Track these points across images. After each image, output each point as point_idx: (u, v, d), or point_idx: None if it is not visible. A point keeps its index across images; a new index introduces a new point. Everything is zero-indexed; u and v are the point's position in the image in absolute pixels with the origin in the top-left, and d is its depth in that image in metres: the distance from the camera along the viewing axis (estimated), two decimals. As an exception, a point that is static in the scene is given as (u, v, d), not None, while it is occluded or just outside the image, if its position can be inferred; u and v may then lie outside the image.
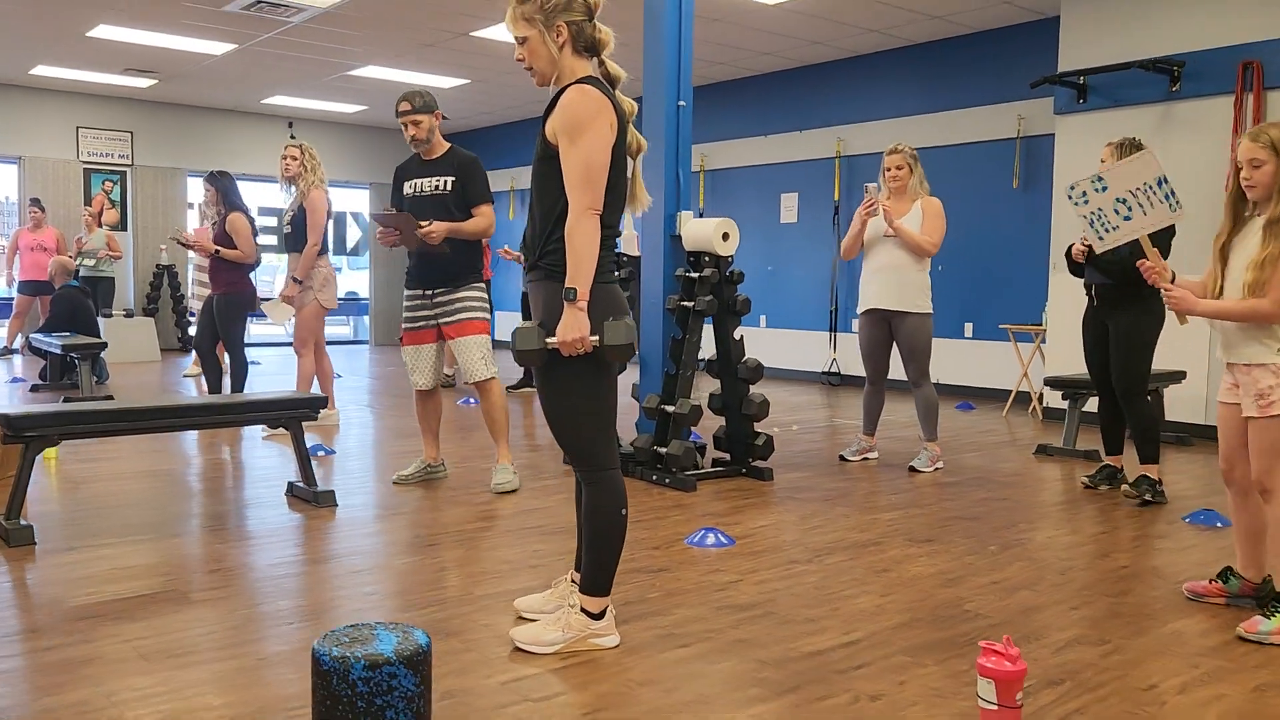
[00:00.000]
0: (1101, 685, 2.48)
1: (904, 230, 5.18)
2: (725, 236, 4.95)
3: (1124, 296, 4.62)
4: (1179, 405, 6.83)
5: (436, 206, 4.58)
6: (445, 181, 4.61)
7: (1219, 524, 4.25)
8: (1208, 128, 6.72)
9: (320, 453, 5.58)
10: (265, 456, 5.54)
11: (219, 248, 6.41)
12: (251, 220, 6.63)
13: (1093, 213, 3.20)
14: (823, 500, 4.62)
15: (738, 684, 2.45)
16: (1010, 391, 8.35)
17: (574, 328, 2.48)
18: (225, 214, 6.53)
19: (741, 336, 5.14)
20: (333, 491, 4.40)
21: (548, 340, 2.52)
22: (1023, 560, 3.65)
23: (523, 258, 2.73)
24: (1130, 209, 3.13)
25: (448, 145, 4.69)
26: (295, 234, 6.03)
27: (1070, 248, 4.77)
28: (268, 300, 6.24)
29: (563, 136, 2.48)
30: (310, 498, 4.37)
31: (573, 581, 2.94)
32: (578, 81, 2.55)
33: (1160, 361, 5.59)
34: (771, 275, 10.66)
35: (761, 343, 10.55)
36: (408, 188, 4.66)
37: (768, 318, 10.74)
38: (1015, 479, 5.24)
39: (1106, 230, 3.19)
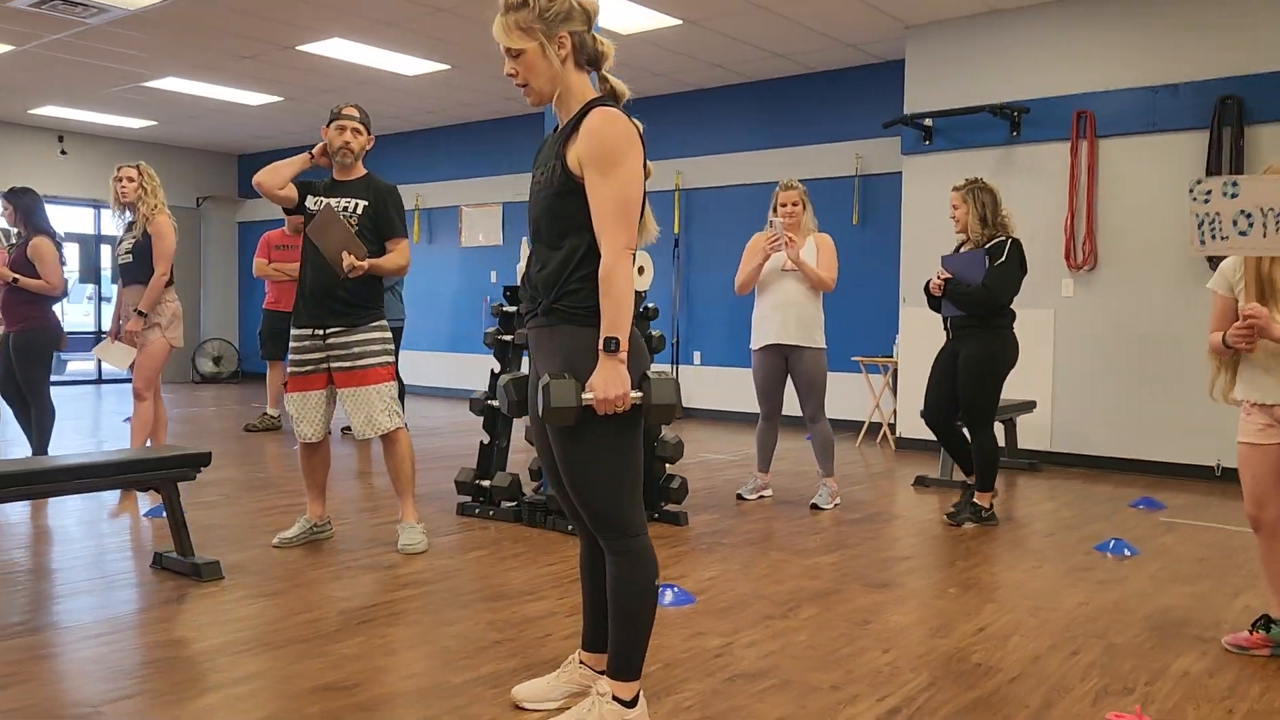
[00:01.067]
0: (1164, 739, 2.42)
1: (807, 265, 5.13)
2: (640, 270, 4.72)
3: (977, 328, 4.81)
4: (1030, 433, 7.17)
5: (343, 231, 4.11)
6: (357, 205, 4.14)
7: (1127, 552, 4.40)
8: (1046, 171, 7.14)
9: (162, 515, 4.87)
10: (92, 523, 4.77)
11: (17, 276, 5.55)
12: (59, 245, 5.79)
13: (1207, 214, 2.94)
14: (751, 545, 4.45)
15: (815, 773, 2.21)
16: (863, 423, 8.54)
17: (616, 382, 2.18)
18: (28, 237, 5.67)
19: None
20: (217, 562, 3.80)
21: (584, 395, 2.20)
22: (989, 602, 3.61)
23: (523, 302, 2.41)
24: (1251, 225, 2.89)
25: (364, 171, 4.23)
26: (137, 263, 5.29)
27: (928, 283, 4.93)
28: (101, 341, 5.44)
29: (592, 168, 2.20)
30: (188, 570, 3.76)
31: (582, 663, 2.61)
32: (599, 103, 2.27)
33: (1011, 392, 5.83)
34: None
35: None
36: (312, 204, 4.15)
37: (604, 350, 10.56)
38: (914, 512, 5.27)
39: (1213, 236, 2.92)
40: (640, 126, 2.30)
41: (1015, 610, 3.51)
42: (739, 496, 5.55)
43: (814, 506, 5.32)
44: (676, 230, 10.07)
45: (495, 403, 4.93)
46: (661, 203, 10.11)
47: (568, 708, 2.49)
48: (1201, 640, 3.20)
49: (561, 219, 2.28)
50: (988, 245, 4.84)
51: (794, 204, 5.18)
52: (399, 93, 10.19)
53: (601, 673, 2.49)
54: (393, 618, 3.29)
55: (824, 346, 5.27)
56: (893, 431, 8.06)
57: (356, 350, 4.14)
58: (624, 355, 2.19)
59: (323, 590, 3.61)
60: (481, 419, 5.03)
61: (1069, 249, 7.02)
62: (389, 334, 4.24)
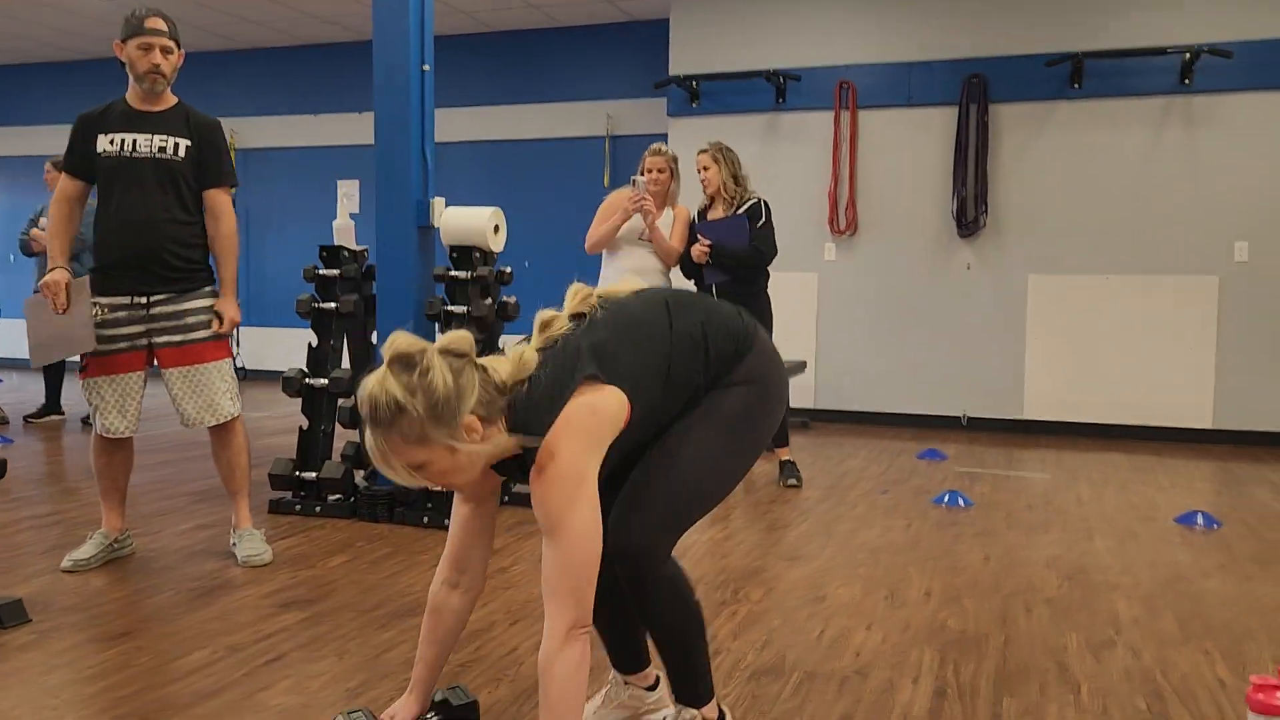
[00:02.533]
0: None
1: (660, 236, 4.89)
2: (497, 229, 4.24)
3: (744, 292, 4.79)
4: (796, 393, 7.44)
5: (161, 177, 3.30)
6: (177, 144, 3.33)
7: (961, 502, 4.64)
8: (810, 139, 7.39)
9: None
10: None
11: None
12: None
13: None
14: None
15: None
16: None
17: None
18: None
19: (504, 347, 4.45)
20: (18, 601, 2.93)
21: None
22: (909, 566, 3.62)
23: None
24: None
25: (176, 99, 3.40)
26: None
27: (690, 249, 4.86)
28: None
29: (544, 529, 1.77)
30: (-20, 615, 2.86)
31: (628, 683, 2.25)
32: (539, 449, 1.77)
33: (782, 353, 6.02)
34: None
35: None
36: (107, 144, 3.28)
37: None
38: (753, 479, 5.26)
39: None
40: (614, 399, 1.81)
41: (936, 571, 3.55)
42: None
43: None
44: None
45: (314, 381, 4.25)
46: (356, 157, 9.34)
47: None
48: (1134, 583, 3.41)
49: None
50: (742, 208, 4.83)
51: (660, 170, 4.90)
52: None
53: (650, 688, 2.24)
54: (307, 650, 2.68)
55: (670, 318, 5.09)
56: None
57: (189, 321, 3.37)
58: None
59: (180, 625, 2.89)
60: (299, 401, 4.32)
61: (832, 215, 7.33)
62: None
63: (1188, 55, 6.48)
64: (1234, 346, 6.61)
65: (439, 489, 1.87)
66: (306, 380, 4.26)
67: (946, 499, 4.70)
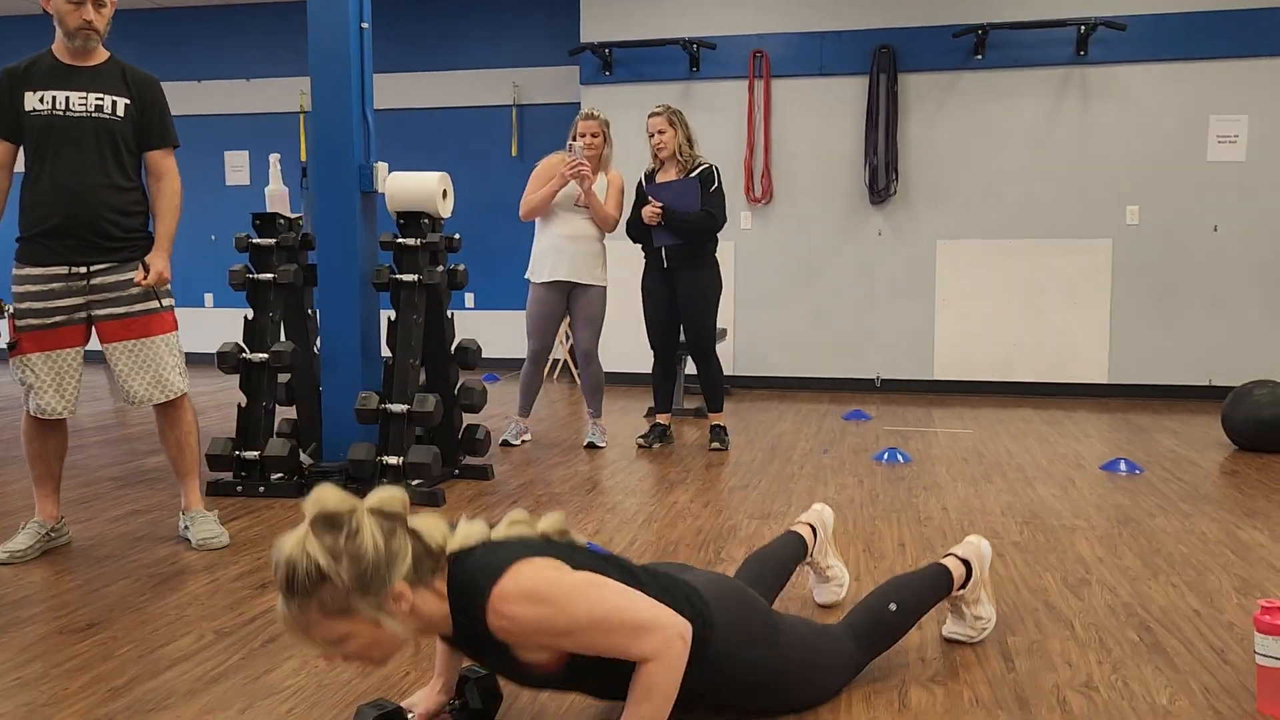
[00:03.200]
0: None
1: (596, 200, 4.85)
2: (445, 194, 4.11)
3: (694, 256, 4.85)
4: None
5: (100, 139, 3.08)
6: (115, 102, 3.10)
7: (901, 458, 4.78)
8: (724, 108, 7.42)
9: None
10: None
11: None
12: None
13: None
14: (585, 493, 4.15)
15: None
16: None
17: None
18: None
19: (453, 315, 4.34)
20: (-32, 595, 2.72)
21: None
22: (876, 520, 3.70)
23: None
24: None
25: (108, 54, 3.17)
26: None
27: (641, 211, 4.85)
28: None
29: (540, 639, 1.69)
30: (-79, 613, 2.64)
31: None
32: (473, 599, 1.68)
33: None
34: (215, 245, 9.16)
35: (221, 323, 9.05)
36: (36, 102, 3.04)
37: (214, 296, 9.28)
38: (687, 439, 5.28)
39: None
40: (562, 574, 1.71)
41: (903, 523, 3.64)
42: (505, 443, 5.16)
43: (591, 446, 5.11)
44: (304, 158, 9.02)
45: (251, 356, 4.05)
46: (282, 125, 8.99)
47: None
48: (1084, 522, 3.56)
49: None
50: (694, 171, 4.85)
51: (594, 134, 4.83)
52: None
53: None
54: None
55: (606, 284, 5.07)
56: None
57: (134, 292, 3.16)
58: None
59: (151, 612, 2.72)
60: (237, 377, 4.12)
61: (748, 184, 7.39)
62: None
63: (1083, 28, 6.76)
64: (1126, 305, 6.97)
65: (368, 667, 1.76)
66: (243, 355, 4.06)
67: (886, 456, 4.82)
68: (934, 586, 2.34)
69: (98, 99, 3.10)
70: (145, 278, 3.13)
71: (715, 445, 5.05)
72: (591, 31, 7.54)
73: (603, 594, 1.70)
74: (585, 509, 3.87)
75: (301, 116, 8.99)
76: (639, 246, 5.01)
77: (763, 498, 4.04)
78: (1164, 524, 3.60)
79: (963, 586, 2.39)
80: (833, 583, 2.73)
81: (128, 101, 3.14)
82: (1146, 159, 6.88)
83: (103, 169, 3.10)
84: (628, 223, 4.93)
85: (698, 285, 4.89)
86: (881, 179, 7.16)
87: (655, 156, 4.91)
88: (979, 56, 6.99)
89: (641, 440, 5.12)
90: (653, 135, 4.87)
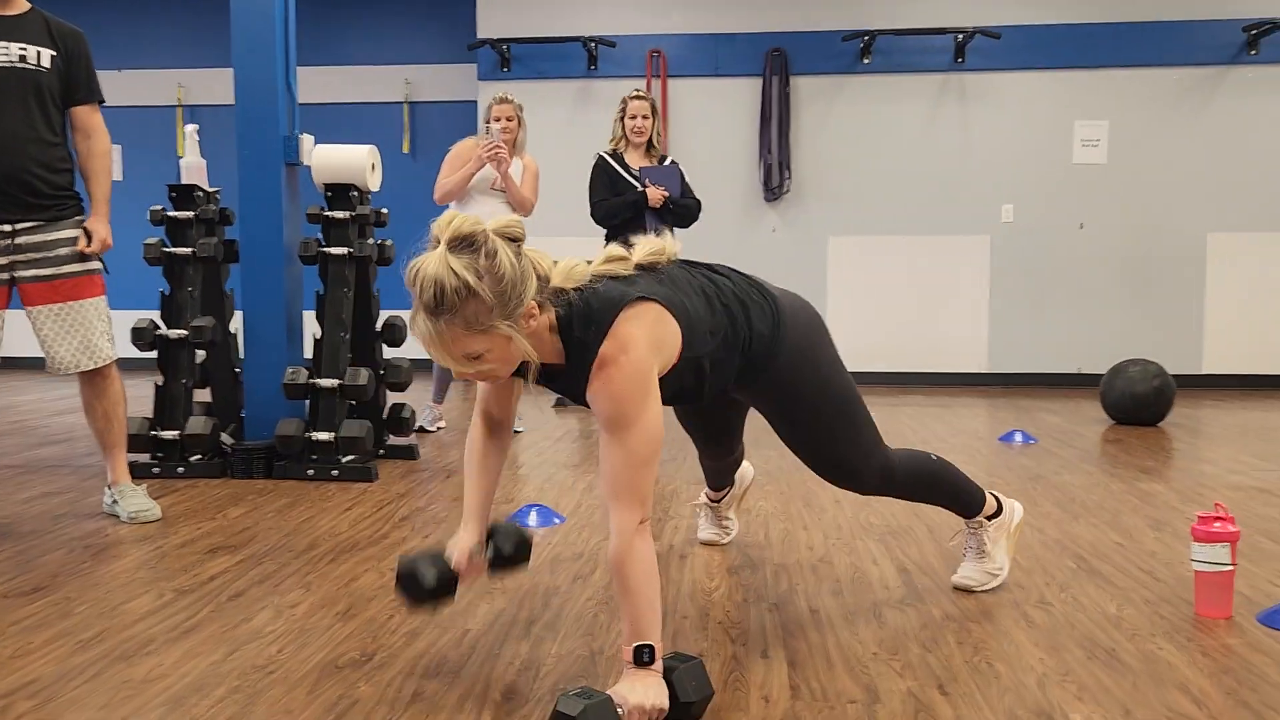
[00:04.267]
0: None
1: (513, 184, 4.86)
2: (374, 167, 4.06)
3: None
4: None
5: (24, 90, 2.94)
6: (40, 53, 2.96)
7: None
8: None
9: None
10: None
11: None
12: None
13: None
14: (515, 469, 4.15)
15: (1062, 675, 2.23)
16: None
17: (656, 694, 1.69)
18: None
19: (379, 290, 4.28)
20: (-111, 566, 2.54)
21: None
22: (798, 485, 3.83)
23: None
24: None
25: (29, 4, 3.02)
26: None
27: (641, 195, 4.98)
28: None
29: (605, 427, 1.78)
30: None
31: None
32: (608, 335, 1.76)
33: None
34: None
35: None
36: None
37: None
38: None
39: None
40: (672, 325, 1.84)
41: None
42: (422, 429, 5.09)
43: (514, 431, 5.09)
44: (182, 152, 8.68)
45: (168, 333, 3.91)
46: (157, 119, 8.63)
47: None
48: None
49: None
50: (666, 160, 5.06)
51: (509, 118, 4.84)
52: None
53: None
54: (265, 586, 2.49)
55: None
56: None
57: (60, 253, 3.02)
58: (660, 665, 1.73)
59: (99, 576, 2.60)
60: (155, 355, 3.95)
61: (646, 180, 7.51)
62: (96, 232, 3.14)
63: (961, 36, 7.17)
64: (1003, 298, 7.40)
65: (478, 380, 1.81)
66: (159, 332, 3.90)
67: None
68: (971, 486, 2.44)
69: (21, 49, 2.96)
70: (89, 245, 3.00)
71: None
72: (489, 28, 7.55)
73: (645, 433, 1.79)
74: (519, 482, 3.87)
75: (179, 110, 8.66)
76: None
77: (693, 468, 4.12)
78: (1071, 480, 3.86)
79: (992, 516, 2.47)
80: (723, 531, 2.95)
81: (53, 53, 3.01)
82: (1019, 161, 7.33)
83: (28, 121, 2.96)
84: (605, 206, 5.00)
85: None
86: (775, 177, 7.40)
87: (625, 139, 5.07)
88: (866, 61, 7.32)
89: None
90: (634, 118, 5.04)
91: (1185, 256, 7.24)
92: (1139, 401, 5.33)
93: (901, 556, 2.80)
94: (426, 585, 1.95)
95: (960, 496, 2.42)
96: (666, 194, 4.92)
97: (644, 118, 5.02)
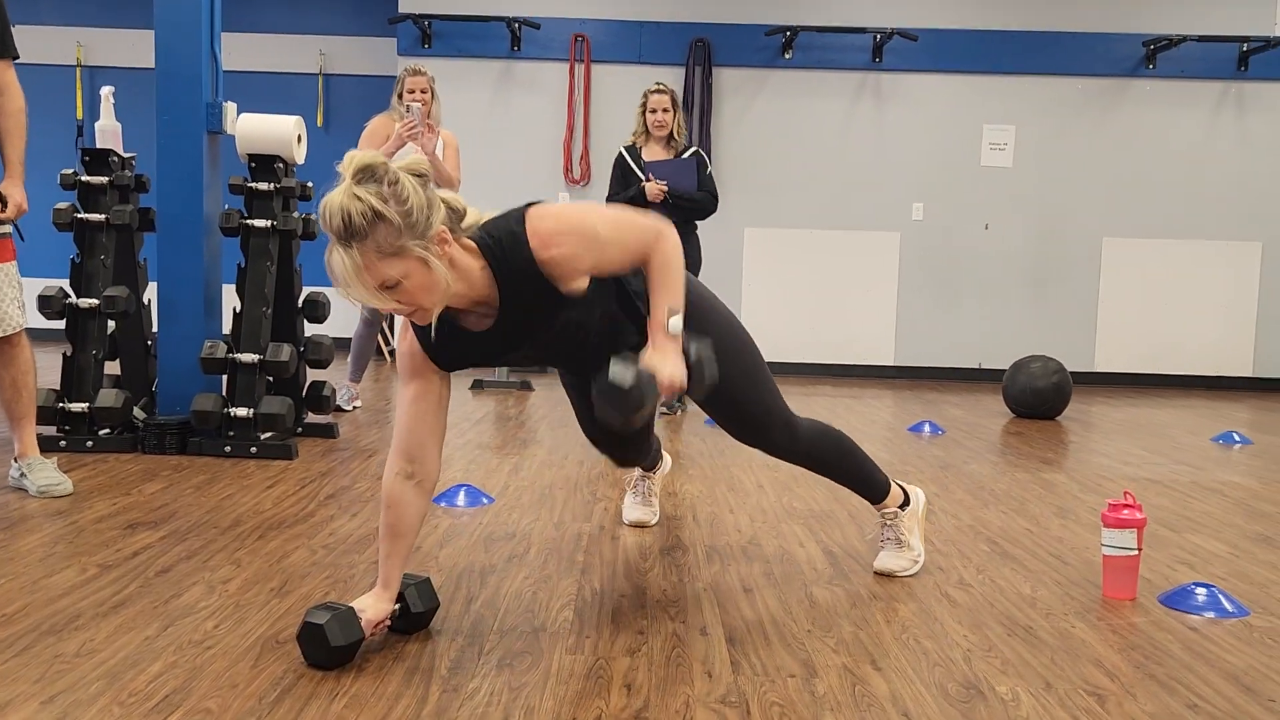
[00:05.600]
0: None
1: (439, 161, 4.81)
2: (300, 138, 3.98)
3: (689, 234, 4.99)
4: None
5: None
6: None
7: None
8: (544, 89, 7.50)
9: None
10: None
11: None
12: None
13: None
14: (455, 449, 4.12)
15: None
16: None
17: (677, 367, 1.92)
18: None
19: (301, 265, 4.19)
20: None
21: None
22: (721, 470, 3.91)
23: None
24: None
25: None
26: None
27: (645, 188, 4.85)
28: None
29: (588, 249, 1.89)
30: None
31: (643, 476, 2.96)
32: (528, 234, 1.86)
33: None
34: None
35: None
36: None
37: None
38: (540, 410, 5.33)
39: None
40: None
41: (755, 468, 3.87)
42: (339, 408, 5.01)
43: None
44: (80, 116, 8.34)
45: (78, 301, 3.76)
46: (57, 79, 8.26)
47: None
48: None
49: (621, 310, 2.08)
50: (686, 153, 5.02)
51: (423, 90, 4.77)
52: None
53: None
54: (194, 562, 2.44)
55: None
56: (386, 342, 7.83)
57: (-30, 214, 2.89)
58: (681, 337, 1.95)
59: (13, 551, 2.50)
60: (63, 324, 3.80)
61: (567, 165, 7.51)
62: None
63: (879, 36, 7.35)
64: (910, 294, 7.63)
65: (404, 315, 1.80)
66: (69, 300, 3.76)
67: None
68: (875, 469, 2.50)
69: (-71, -1, 2.82)
70: (4, 211, 2.88)
71: (679, 408, 5.33)
72: (411, 2, 7.43)
73: (603, 208, 1.98)
74: (444, 464, 3.86)
75: (78, 70, 8.30)
76: None
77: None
78: (979, 469, 4.03)
79: (901, 506, 2.53)
80: (651, 512, 3.00)
81: (-38, 3, 2.87)
82: (930, 160, 7.55)
83: (-63, 76, 2.82)
84: (612, 202, 4.90)
85: (689, 261, 4.99)
86: (695, 167, 7.46)
87: (646, 133, 4.98)
88: (787, 56, 7.44)
89: (664, 408, 5.16)
90: (654, 111, 4.93)
91: (1082, 259, 7.58)
92: (1039, 396, 5.56)
93: (826, 539, 2.89)
94: (333, 644, 1.81)
95: (866, 479, 2.49)
96: (665, 189, 4.81)
97: (664, 111, 4.95)
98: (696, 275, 5.17)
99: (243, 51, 8.20)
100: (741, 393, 2.27)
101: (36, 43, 8.24)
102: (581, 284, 1.93)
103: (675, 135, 5.03)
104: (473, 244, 1.86)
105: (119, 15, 8.21)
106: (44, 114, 8.22)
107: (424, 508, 2.04)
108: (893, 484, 2.54)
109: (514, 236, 1.86)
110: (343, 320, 5.69)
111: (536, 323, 1.95)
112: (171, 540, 2.65)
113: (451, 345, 1.97)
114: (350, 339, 5.11)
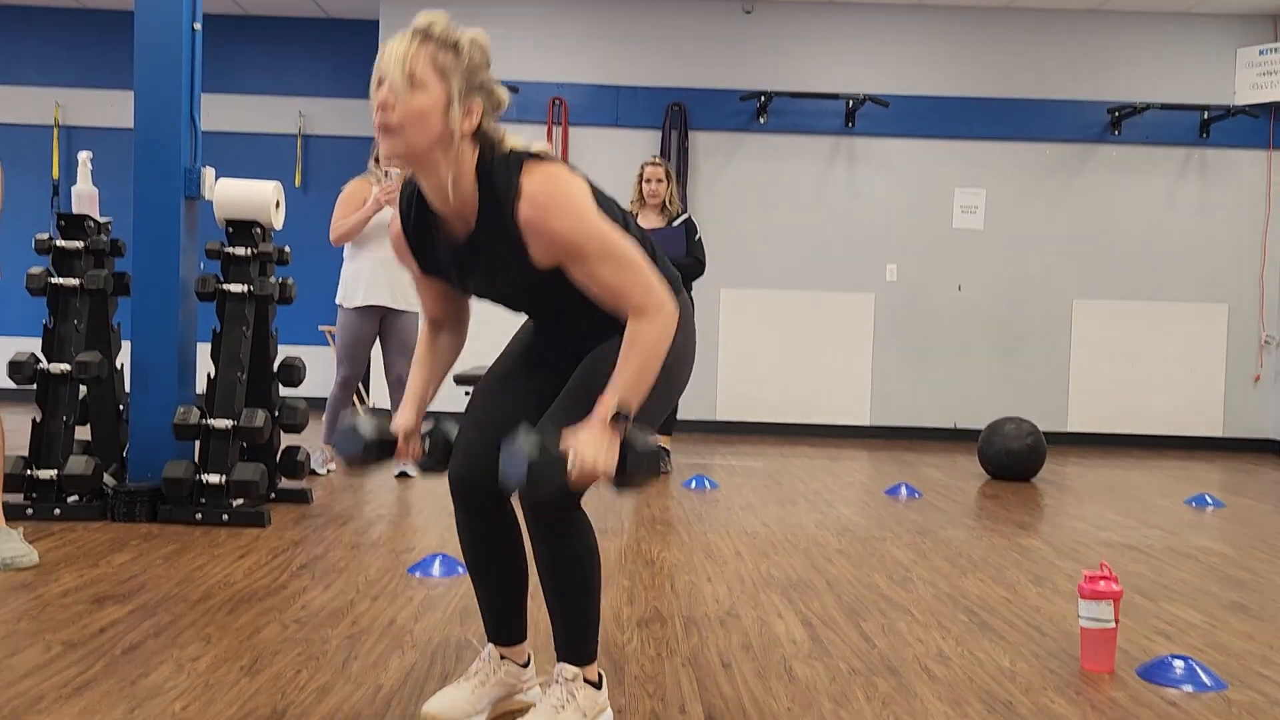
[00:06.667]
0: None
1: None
2: (278, 204, 3.99)
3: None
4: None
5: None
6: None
7: (709, 484, 5.03)
8: (522, 151, 7.56)
9: None
10: None
11: None
12: None
13: None
14: (415, 514, 4.09)
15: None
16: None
17: (609, 457, 1.73)
18: None
19: (277, 329, 4.17)
20: None
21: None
22: (699, 536, 3.89)
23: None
24: None
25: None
26: None
27: None
28: None
29: (571, 262, 1.78)
30: None
31: (504, 658, 2.03)
32: (509, 177, 1.75)
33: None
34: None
35: None
36: None
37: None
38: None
39: None
40: (580, 181, 1.81)
41: (733, 535, 3.85)
42: (313, 472, 4.96)
43: (403, 474, 5.01)
44: (56, 175, 8.33)
45: (50, 367, 3.73)
46: (32, 138, 8.25)
47: (512, 712, 2.02)
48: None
49: (569, 289, 1.84)
50: (677, 220, 5.35)
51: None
52: None
53: (524, 665, 2.07)
54: (163, 639, 2.39)
55: (419, 310, 5.03)
56: (362, 401, 7.78)
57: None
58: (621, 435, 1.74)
59: (3, 640, 2.46)
60: (34, 389, 3.76)
61: (544, 225, 7.55)
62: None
63: (851, 102, 7.48)
64: (885, 355, 7.68)
65: (381, 124, 1.70)
66: (41, 366, 3.72)
67: (694, 482, 5.05)
68: (597, 627, 1.97)
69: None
70: None
71: (666, 469, 5.39)
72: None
73: (622, 238, 1.80)
74: (418, 531, 3.82)
75: (55, 130, 8.31)
76: None
77: (597, 515, 4.13)
78: (956, 534, 4.03)
79: (593, 684, 1.95)
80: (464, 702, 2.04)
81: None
82: (903, 223, 7.66)
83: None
84: None
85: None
86: (672, 228, 7.53)
87: (641, 200, 5.32)
88: (761, 120, 7.56)
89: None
90: (649, 182, 5.30)
91: (1053, 320, 7.67)
92: (1014, 458, 5.59)
93: (805, 609, 2.87)
94: (365, 435, 1.86)
95: (587, 627, 1.95)
96: None
97: (658, 181, 5.33)
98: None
99: (223, 112, 8.21)
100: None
101: (15, 102, 8.28)
102: (546, 260, 1.79)
103: (668, 204, 5.34)
104: (476, 157, 1.77)
105: (97, 76, 8.24)
106: (21, 173, 8.18)
107: (458, 349, 2.08)
108: (597, 665, 1.98)
109: (507, 180, 1.75)
110: (320, 379, 5.67)
111: (498, 270, 1.85)
112: (140, 615, 2.60)
113: (426, 241, 1.90)
114: (325, 399, 5.08)
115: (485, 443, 1.88)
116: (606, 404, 1.73)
